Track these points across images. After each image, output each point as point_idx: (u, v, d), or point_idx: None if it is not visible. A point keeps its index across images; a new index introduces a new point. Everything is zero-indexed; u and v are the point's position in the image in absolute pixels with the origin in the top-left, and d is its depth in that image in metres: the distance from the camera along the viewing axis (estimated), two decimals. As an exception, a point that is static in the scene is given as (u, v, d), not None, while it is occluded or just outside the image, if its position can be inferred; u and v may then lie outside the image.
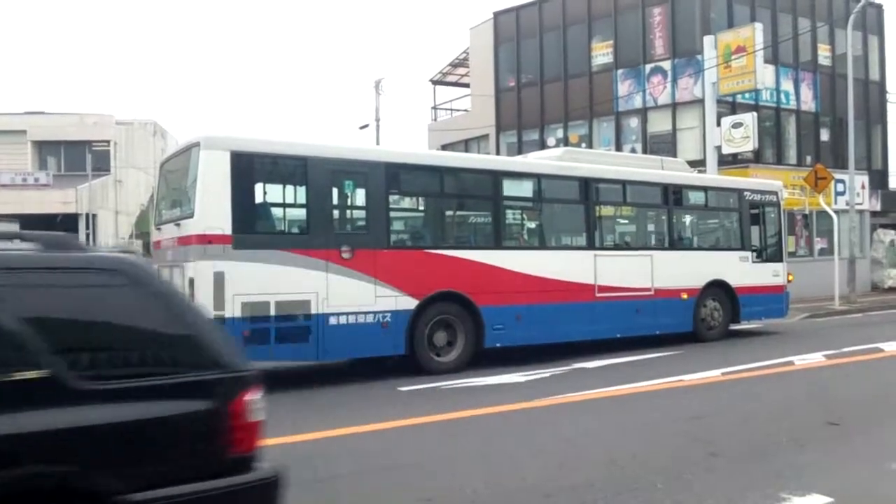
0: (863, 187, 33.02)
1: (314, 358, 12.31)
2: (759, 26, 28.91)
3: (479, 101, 42.59)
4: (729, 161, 30.43)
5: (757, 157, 31.87)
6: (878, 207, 36.51)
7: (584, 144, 36.13)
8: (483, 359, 13.74)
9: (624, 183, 16.18)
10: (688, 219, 18.19)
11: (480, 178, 14.53)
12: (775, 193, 18.80)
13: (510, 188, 14.79)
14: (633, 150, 34.06)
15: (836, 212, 27.68)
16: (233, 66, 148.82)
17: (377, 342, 12.66)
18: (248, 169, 11.88)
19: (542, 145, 37.73)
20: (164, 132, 64.07)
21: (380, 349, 12.81)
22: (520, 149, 38.91)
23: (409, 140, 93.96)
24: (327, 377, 13.21)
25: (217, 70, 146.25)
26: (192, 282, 11.31)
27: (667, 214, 16.92)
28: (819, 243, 31.83)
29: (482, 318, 13.59)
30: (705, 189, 17.89)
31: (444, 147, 41.39)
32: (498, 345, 13.87)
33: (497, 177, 14.46)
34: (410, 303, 12.90)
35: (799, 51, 35.08)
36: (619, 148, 35.01)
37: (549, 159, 16.25)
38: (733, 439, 8.36)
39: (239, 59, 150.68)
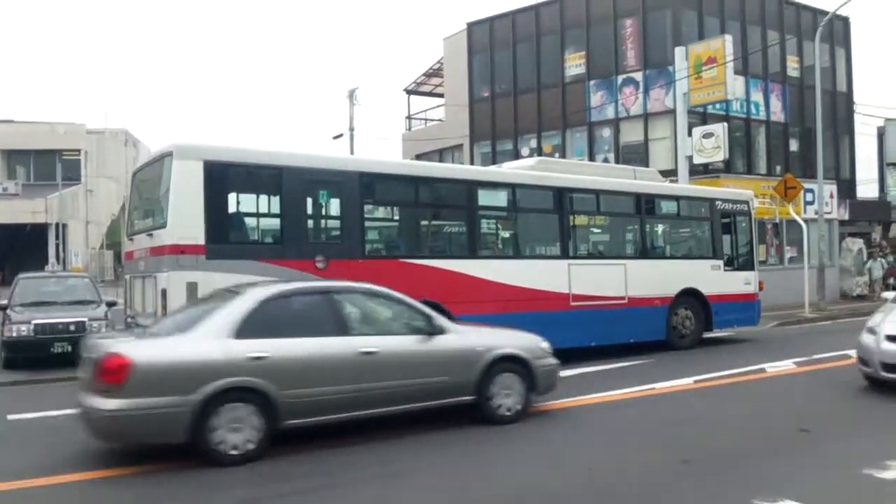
0: (831, 196, 33.38)
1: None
2: (728, 38, 29.29)
3: (452, 111, 42.74)
4: (700, 171, 30.68)
5: (727, 166, 32.13)
6: (846, 216, 36.92)
7: (557, 154, 36.26)
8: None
9: (597, 192, 16.26)
10: (660, 228, 18.33)
11: (455, 187, 14.59)
12: (746, 203, 18.98)
13: (484, 198, 14.84)
14: (606, 160, 34.18)
15: (806, 221, 27.99)
16: (206, 76, 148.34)
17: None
18: (221, 178, 11.81)
19: (517, 155, 37.83)
20: (136, 141, 63.76)
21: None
22: (494, 159, 38.99)
23: (383, 150, 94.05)
24: None
25: (190, 79, 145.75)
26: (164, 293, 11.23)
27: (640, 224, 17.03)
28: (789, 252, 32.12)
29: None
30: (677, 198, 18.02)
31: (419, 157, 41.43)
32: None
33: (471, 186, 14.52)
34: None
35: (768, 62, 35.51)
36: (592, 158, 35.15)
37: (523, 169, 16.31)
38: (705, 447, 8.43)
39: (212, 68, 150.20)
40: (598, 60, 35.92)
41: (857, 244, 35.64)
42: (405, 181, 14.08)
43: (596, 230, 17.55)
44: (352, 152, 42.41)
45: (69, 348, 15.16)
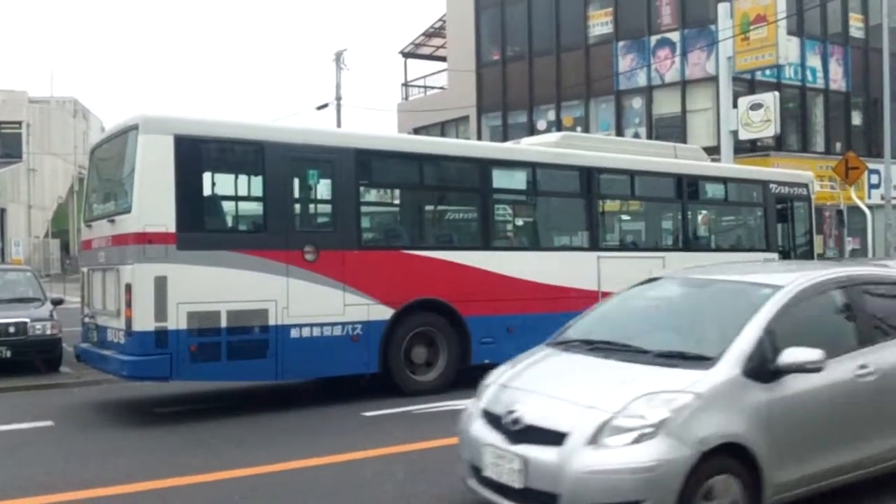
0: (900, 179, 33.41)
1: (272, 377, 12.22)
2: (781, -8, 29.19)
3: (457, 77, 42.78)
4: (746, 148, 30.75)
5: (779, 143, 32.31)
6: (917, 201, 36.81)
7: (579, 128, 36.35)
8: (466, 378, 13.69)
9: (632, 173, 16.20)
10: (705, 215, 18.31)
11: (466, 167, 14.53)
12: (805, 186, 18.92)
13: (500, 179, 14.76)
14: (636, 135, 34.31)
15: (870, 207, 27.94)
16: (169, 36, 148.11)
17: (346, 358, 12.56)
18: (195, 156, 11.70)
19: (531, 129, 37.83)
20: (87, 112, 63.84)
21: (349, 367, 12.73)
22: (505, 133, 39.03)
23: (375, 122, 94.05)
24: (286, 400, 13.19)
25: (151, 41, 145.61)
26: (128, 288, 11.19)
27: (681, 210, 16.96)
28: (850, 243, 32.09)
29: (468, 331, 13.60)
30: (725, 181, 17.92)
31: (417, 130, 41.49)
32: (486, 361, 13.72)
33: (485, 166, 14.42)
34: (385, 312, 12.84)
35: (827, 21, 35.52)
36: (619, 133, 35.27)
37: (545, 146, 16.19)
38: None
39: (176, 27, 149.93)
40: (627, 18, 36.09)
41: (929, 234, 35.53)
42: (408, 159, 13.98)
43: (630, 218, 17.58)
44: (338, 125, 42.48)
45: (8, 354, 15.12)
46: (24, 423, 11.40)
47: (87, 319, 13.22)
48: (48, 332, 15.51)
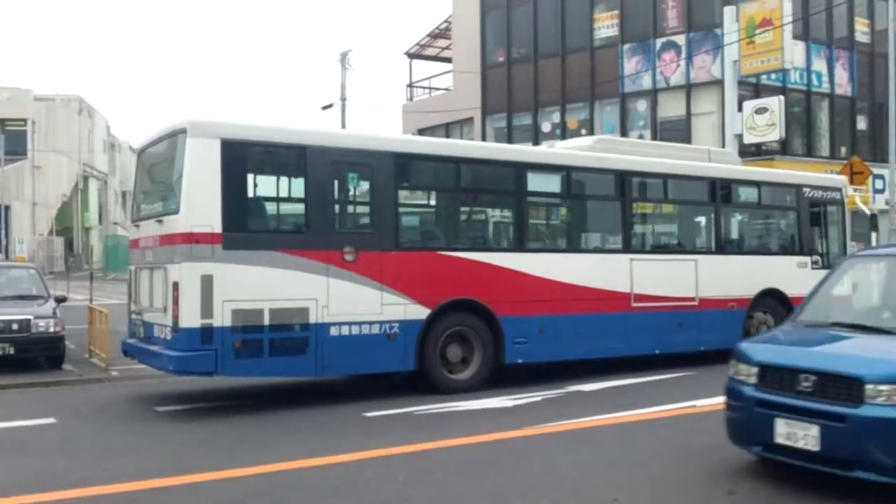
0: (905, 184, 33.52)
1: (312, 373, 12.43)
2: (788, -4, 29.34)
3: (462, 78, 42.81)
4: (752, 152, 30.85)
5: (784, 147, 32.41)
6: (923, 208, 36.91)
7: (584, 131, 36.41)
8: (502, 377, 13.82)
9: (666, 177, 16.36)
10: (739, 218, 18.39)
11: (502, 170, 14.64)
12: (839, 190, 19.00)
13: (535, 182, 14.89)
14: (641, 138, 34.27)
15: (875, 213, 27.97)
16: (175, 35, 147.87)
17: (383, 356, 12.73)
18: (240, 159, 11.98)
19: (536, 131, 37.99)
20: (92, 110, 63.75)
21: (385, 364, 12.90)
22: (509, 135, 39.19)
23: (380, 123, 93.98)
24: (289, 400, 13.27)
25: (157, 39, 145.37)
26: (176, 286, 11.42)
27: (714, 213, 17.07)
28: (854, 248, 32.17)
29: (502, 330, 13.73)
30: (759, 184, 17.95)
31: (422, 131, 41.54)
32: (520, 360, 13.99)
33: (520, 169, 14.57)
34: (421, 312, 13.00)
35: (833, 25, 35.62)
36: (624, 135, 35.24)
37: (580, 149, 16.32)
38: (754, 475, 8.35)
39: (182, 25, 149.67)
40: (633, 20, 36.14)
41: (935, 239, 35.63)
42: (446, 163, 14.17)
43: (663, 220, 17.70)
44: (343, 125, 42.60)
45: (11, 350, 15.12)
46: (26, 420, 11.44)
47: (133, 316, 13.44)
48: (51, 329, 15.49)
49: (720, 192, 16.99)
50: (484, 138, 39.73)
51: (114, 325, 16.41)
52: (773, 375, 7.77)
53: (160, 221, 12.15)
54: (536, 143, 35.88)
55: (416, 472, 8.72)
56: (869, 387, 6.93)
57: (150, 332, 12.46)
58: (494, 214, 15.58)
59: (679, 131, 33.86)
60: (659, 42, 35.22)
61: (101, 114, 65.12)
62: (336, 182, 12.80)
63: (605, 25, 37.16)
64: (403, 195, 13.79)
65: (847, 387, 7.08)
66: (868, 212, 26.89)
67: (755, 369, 7.98)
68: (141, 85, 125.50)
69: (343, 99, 44.74)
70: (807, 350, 8.18)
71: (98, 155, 65.13)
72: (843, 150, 35.11)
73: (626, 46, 36.22)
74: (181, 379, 13.53)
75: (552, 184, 15.36)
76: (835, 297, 9.28)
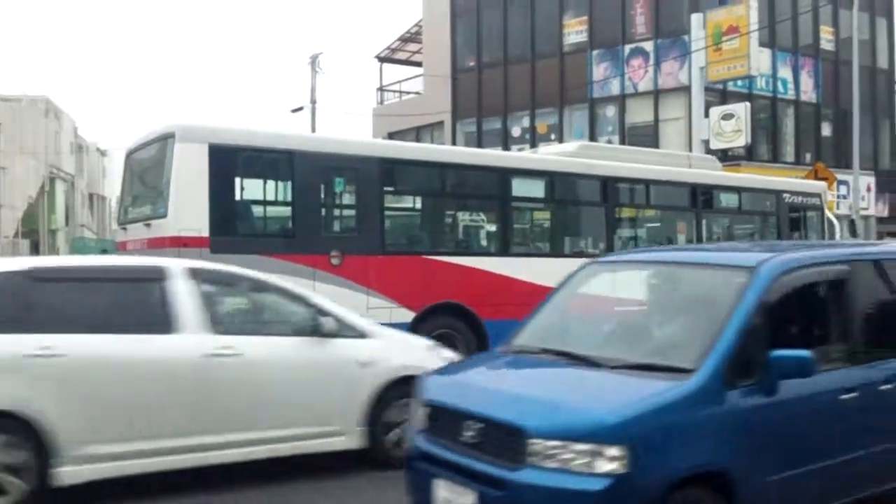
0: (868, 190, 34.17)
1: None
2: (754, 4, 29.86)
3: (432, 82, 43.09)
4: (718, 157, 30.99)
5: (749, 153, 32.87)
6: (885, 213, 37.58)
7: (553, 136, 36.70)
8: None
9: (648, 183, 16.59)
10: (718, 224, 18.64)
11: (487, 175, 14.86)
12: (818, 196, 19.40)
13: (519, 187, 15.15)
14: (610, 143, 34.57)
15: (839, 217, 28.37)
16: (143, 35, 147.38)
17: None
18: (228, 164, 12.16)
19: (506, 136, 38.20)
20: (59, 112, 63.40)
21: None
22: (479, 139, 39.39)
23: (350, 127, 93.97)
24: None
25: (125, 40, 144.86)
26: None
27: (695, 219, 17.30)
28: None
29: (486, 334, 13.86)
30: (739, 190, 18.27)
31: (392, 135, 41.43)
32: None
33: (505, 174, 14.82)
34: (406, 315, 13.14)
35: (799, 33, 36.18)
36: (593, 140, 35.43)
37: (564, 155, 16.54)
38: None
39: (150, 26, 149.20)
40: (602, 27, 36.47)
41: (899, 245, 35.97)
42: (431, 168, 14.39)
43: (645, 225, 17.89)
44: (313, 129, 42.56)
45: None
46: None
47: None
48: None
49: (701, 197, 17.25)
50: (454, 142, 39.89)
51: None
52: (442, 419, 6.16)
53: (148, 225, 12.25)
54: (507, 147, 36.20)
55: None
56: (533, 441, 5.29)
57: None
58: (480, 219, 15.81)
59: (647, 137, 34.18)
60: (627, 48, 35.59)
61: (68, 115, 64.67)
62: (323, 187, 13.00)
63: (575, 31, 37.46)
64: (389, 200, 13.96)
65: (509, 440, 5.44)
66: (832, 217, 27.39)
67: (424, 409, 6.44)
68: (109, 86, 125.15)
69: (313, 102, 44.68)
70: (481, 387, 6.41)
71: (65, 157, 64.68)
72: (808, 156, 35.62)
73: (594, 52, 36.55)
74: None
75: (537, 189, 15.57)
76: (561, 313, 7.68)
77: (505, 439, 5.47)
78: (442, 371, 7.34)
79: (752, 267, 6.32)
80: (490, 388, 6.38)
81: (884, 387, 6.60)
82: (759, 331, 5.94)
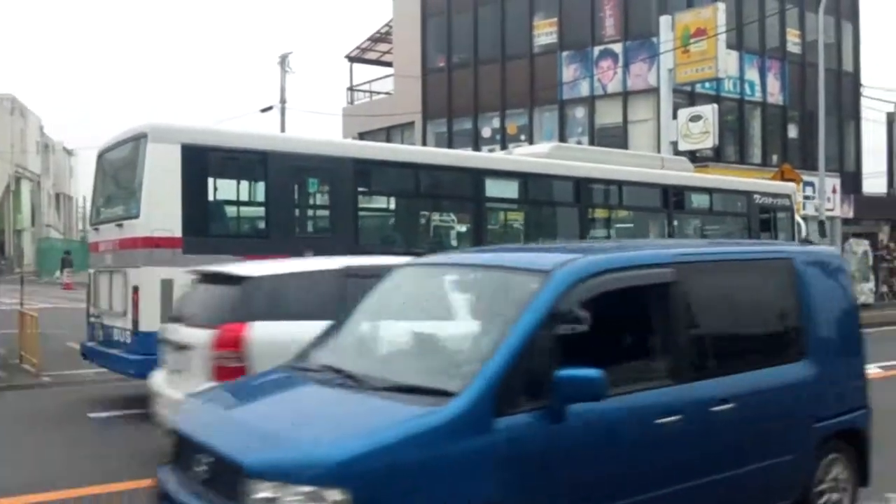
0: (834, 191, 34.64)
1: (274, 377, 12.77)
2: (721, 6, 30.20)
3: (403, 83, 43.10)
4: (686, 159, 31.55)
5: (717, 154, 33.11)
6: (850, 214, 38.04)
7: (523, 136, 36.90)
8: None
9: (621, 184, 16.86)
10: (691, 224, 18.92)
11: (460, 176, 15.10)
12: (788, 197, 19.81)
13: (493, 188, 15.36)
14: (579, 143, 34.88)
15: (805, 218, 28.80)
16: (111, 33, 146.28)
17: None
18: (200, 164, 12.19)
19: (476, 136, 38.39)
20: (25, 110, 62.95)
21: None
22: (450, 140, 39.53)
23: (320, 127, 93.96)
24: None
25: (92, 38, 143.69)
26: (136, 290, 11.56)
27: (667, 219, 17.67)
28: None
29: None
30: (711, 191, 18.62)
31: (363, 135, 41.31)
32: None
33: (478, 175, 15.01)
34: None
35: (766, 36, 36.60)
36: (562, 141, 35.65)
37: (538, 156, 16.77)
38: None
39: (118, 24, 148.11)
40: (571, 28, 36.61)
41: (863, 246, 35.79)
42: (404, 168, 14.53)
43: (619, 225, 18.13)
44: (282, 129, 42.46)
45: None
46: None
47: (92, 319, 13.44)
48: None
49: (673, 198, 17.57)
50: (425, 143, 39.98)
51: (43, 329, 16.07)
52: (184, 451, 5.34)
53: (120, 225, 12.25)
54: (477, 148, 36.33)
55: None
56: (252, 482, 4.47)
57: (110, 335, 12.48)
58: (453, 220, 16.02)
59: (616, 138, 34.36)
60: (597, 50, 35.77)
61: (34, 114, 64.30)
62: (296, 187, 13.13)
63: (545, 33, 37.62)
64: (363, 200, 14.14)
65: (233, 478, 4.59)
66: (798, 218, 27.96)
67: (171, 439, 5.64)
68: (76, 85, 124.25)
69: (283, 102, 44.55)
70: (221, 414, 5.63)
71: (31, 156, 64.21)
72: (775, 157, 36.01)
73: (564, 54, 36.73)
74: (116, 384, 13.39)
75: (510, 190, 15.79)
76: (364, 322, 6.63)
77: (231, 477, 4.62)
78: (200, 393, 6.40)
79: (546, 271, 5.43)
80: (228, 415, 5.58)
81: (717, 408, 5.74)
82: (548, 347, 5.06)
